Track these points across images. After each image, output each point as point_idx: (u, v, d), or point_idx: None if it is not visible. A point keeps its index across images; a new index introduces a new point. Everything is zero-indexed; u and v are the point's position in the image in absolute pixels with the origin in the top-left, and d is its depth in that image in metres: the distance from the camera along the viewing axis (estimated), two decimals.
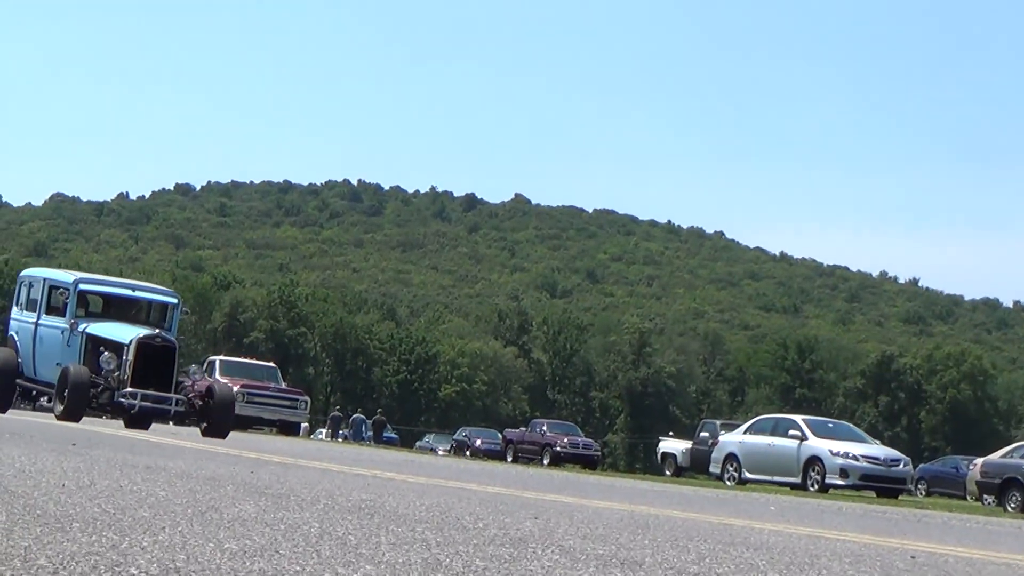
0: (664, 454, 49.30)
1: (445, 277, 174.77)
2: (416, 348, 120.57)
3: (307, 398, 42.99)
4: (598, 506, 8.97)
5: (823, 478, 30.63)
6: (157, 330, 23.22)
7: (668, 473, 46.71)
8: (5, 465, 7.25)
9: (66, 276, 25.07)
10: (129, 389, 22.29)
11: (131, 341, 22.47)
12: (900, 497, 31.59)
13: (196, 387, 23.41)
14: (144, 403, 22.38)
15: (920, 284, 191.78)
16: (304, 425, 46.53)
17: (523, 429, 58.10)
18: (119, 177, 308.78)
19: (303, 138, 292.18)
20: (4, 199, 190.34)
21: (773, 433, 32.96)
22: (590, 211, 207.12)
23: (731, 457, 33.57)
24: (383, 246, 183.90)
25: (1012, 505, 29.52)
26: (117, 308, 24.59)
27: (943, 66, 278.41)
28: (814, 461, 31.05)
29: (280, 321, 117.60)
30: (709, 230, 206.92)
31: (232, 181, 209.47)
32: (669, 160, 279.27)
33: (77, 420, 21.94)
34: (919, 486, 49.97)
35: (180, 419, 24.30)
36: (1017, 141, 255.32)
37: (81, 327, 23.20)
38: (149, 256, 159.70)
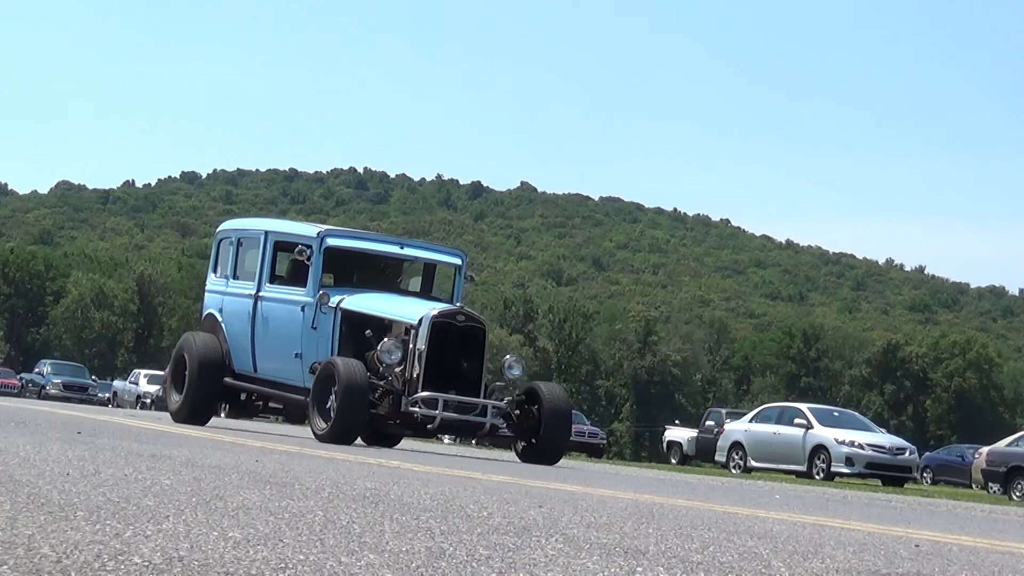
0: (670, 442, 49.40)
1: None
2: None
3: None
4: (603, 495, 8.98)
5: (828, 466, 30.70)
6: (458, 304, 16.54)
7: (674, 461, 46.76)
8: (10, 454, 7.26)
9: (303, 228, 17.89)
10: (424, 393, 15.29)
11: (421, 321, 15.47)
12: (905, 485, 31.68)
13: (512, 389, 16.51)
14: (447, 413, 15.31)
15: (926, 272, 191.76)
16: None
17: None
18: (125, 165, 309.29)
19: (309, 126, 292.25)
20: (10, 187, 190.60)
21: (779, 422, 33.04)
22: (596, 199, 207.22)
23: (736, 445, 33.64)
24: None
25: (1017, 493, 29.55)
26: (369, 272, 17.77)
27: (950, 54, 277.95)
28: (820, 449, 31.13)
29: None
30: (715, 217, 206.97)
31: (238, 169, 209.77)
32: (675, 147, 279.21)
33: (350, 441, 15.18)
34: (924, 474, 50.06)
35: (492, 435, 16.60)
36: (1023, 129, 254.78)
37: (334, 300, 16.25)
38: (155, 244, 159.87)
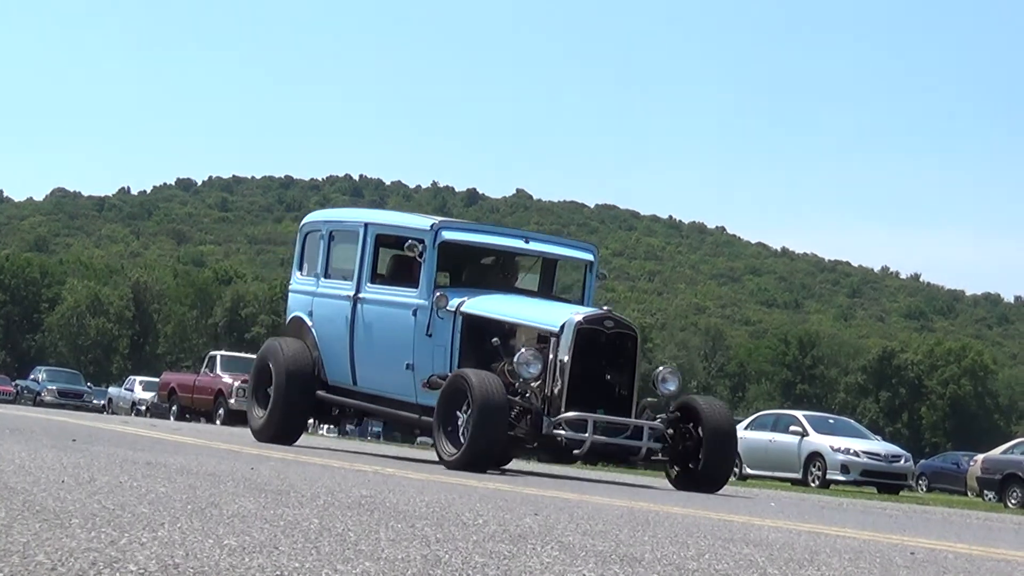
0: None
1: None
2: None
3: None
4: (598, 502, 8.98)
5: (824, 474, 30.73)
6: (605, 307, 13.99)
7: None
8: (5, 461, 7.26)
9: (411, 220, 15.49)
10: (570, 414, 12.99)
11: (563, 327, 13.26)
12: (901, 493, 31.67)
13: (664, 406, 14.18)
14: (597, 436, 13.01)
15: (922, 279, 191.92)
16: (310, 420, 46.52)
17: None
18: (120, 172, 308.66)
19: (304, 133, 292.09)
20: (5, 194, 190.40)
21: (774, 429, 33.08)
22: (592, 206, 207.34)
23: None
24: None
25: (1012, 501, 29.54)
26: (481, 270, 15.67)
27: (945, 62, 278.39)
28: (815, 457, 31.17)
29: (281, 316, 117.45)
30: (711, 225, 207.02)
31: (233, 176, 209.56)
32: (671, 155, 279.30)
33: (485, 468, 12.81)
34: (920, 482, 50.04)
35: (646, 461, 14.02)
36: (1018, 136, 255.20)
37: (454, 303, 14.00)
38: (151, 251, 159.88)
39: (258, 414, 15.85)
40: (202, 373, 42.15)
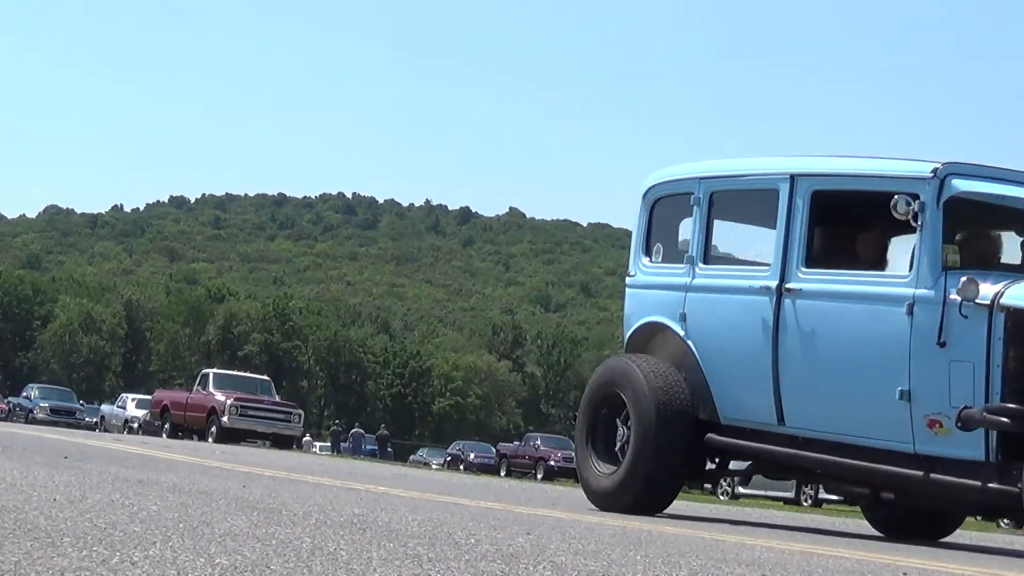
0: None
1: (439, 291, 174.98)
2: (410, 361, 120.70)
3: (301, 411, 43.04)
4: (591, 521, 8.97)
5: (817, 493, 30.71)
6: None
7: None
8: None
9: (881, 165, 9.77)
10: None
11: None
12: None
13: None
14: None
15: None
16: (307, 438, 46.51)
17: (517, 443, 58.24)
18: (113, 189, 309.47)
19: (298, 151, 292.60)
20: None
21: None
22: (584, 225, 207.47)
23: None
24: (377, 259, 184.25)
25: (1004, 521, 29.52)
26: (985, 241, 10.04)
27: (947, 71, 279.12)
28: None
29: (274, 334, 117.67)
30: None
31: (227, 194, 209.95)
32: None
33: None
34: None
35: None
36: (1019, 147, 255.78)
37: (986, 293, 8.90)
38: (143, 268, 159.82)
39: (603, 470, 10.84)
40: (195, 391, 42.14)
